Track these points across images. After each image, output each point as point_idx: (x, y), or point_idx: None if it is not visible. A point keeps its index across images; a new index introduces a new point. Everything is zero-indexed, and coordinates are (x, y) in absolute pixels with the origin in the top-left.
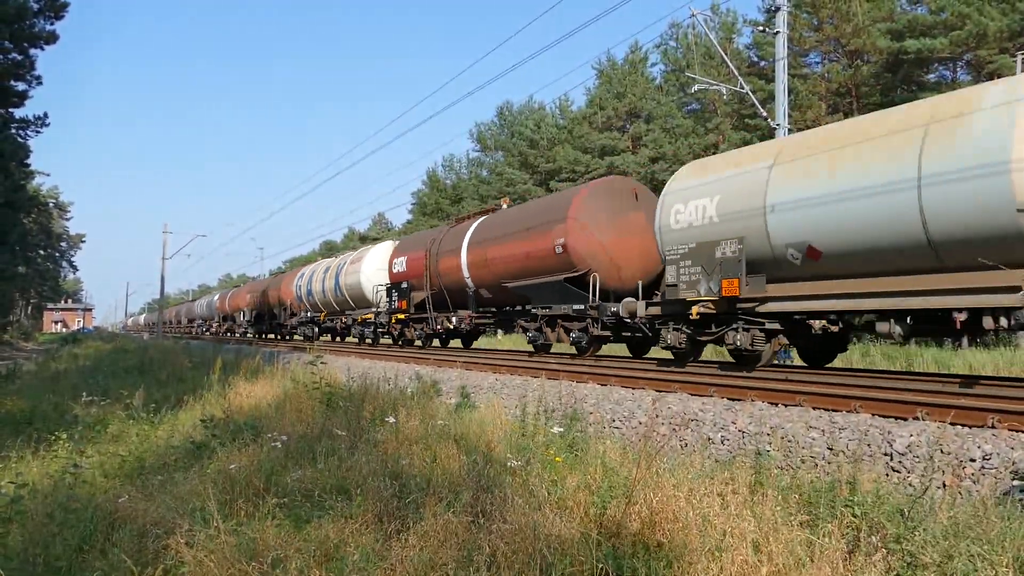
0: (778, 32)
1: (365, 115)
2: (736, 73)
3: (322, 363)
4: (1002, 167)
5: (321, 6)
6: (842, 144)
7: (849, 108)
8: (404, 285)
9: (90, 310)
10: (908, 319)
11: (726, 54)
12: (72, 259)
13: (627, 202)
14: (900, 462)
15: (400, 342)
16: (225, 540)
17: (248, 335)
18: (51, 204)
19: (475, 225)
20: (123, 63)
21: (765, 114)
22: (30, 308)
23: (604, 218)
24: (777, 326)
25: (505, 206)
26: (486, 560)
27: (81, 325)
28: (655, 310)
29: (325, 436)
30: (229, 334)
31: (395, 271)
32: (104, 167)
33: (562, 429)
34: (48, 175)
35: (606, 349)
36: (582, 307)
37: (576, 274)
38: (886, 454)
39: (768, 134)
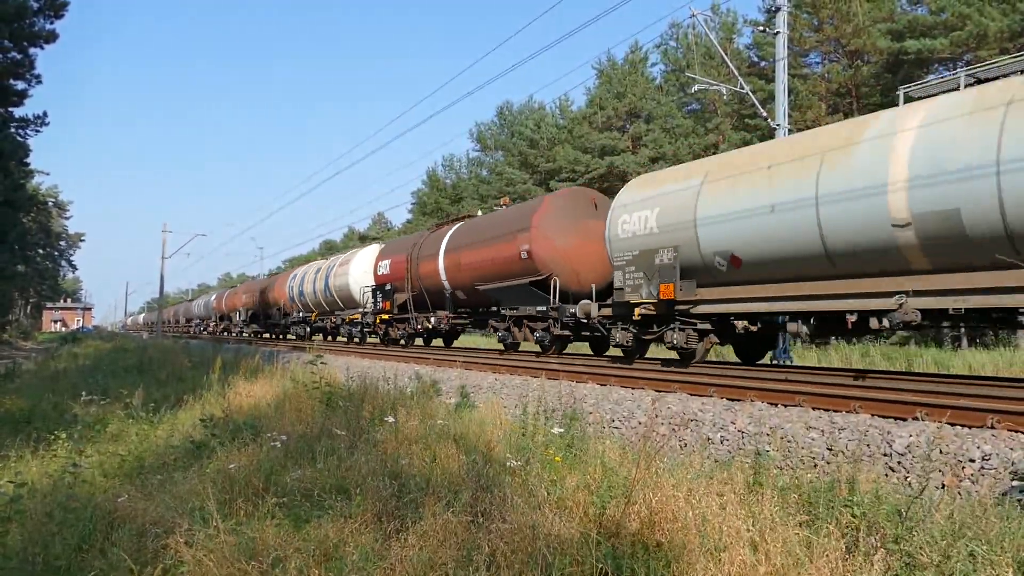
0: (778, 32)
1: (365, 115)
2: (736, 73)
3: (322, 363)
4: (881, 189)
5: (321, 6)
6: (759, 166)
7: (849, 108)
8: (388, 287)
9: (89, 309)
10: (812, 320)
11: (726, 54)
12: (71, 258)
13: (587, 211)
14: (899, 462)
15: (385, 341)
16: (224, 540)
17: (244, 334)
18: (50, 203)
19: (451, 231)
20: (123, 63)
21: (765, 114)
22: (29, 307)
23: (565, 226)
24: (708, 326)
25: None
26: (485, 560)
27: (80, 324)
28: (607, 311)
29: (325, 436)
30: (226, 333)
31: (380, 273)
32: (104, 166)
33: (562, 430)
34: (48, 174)
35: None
36: (544, 308)
37: (539, 278)
38: (885, 454)
39: (768, 134)
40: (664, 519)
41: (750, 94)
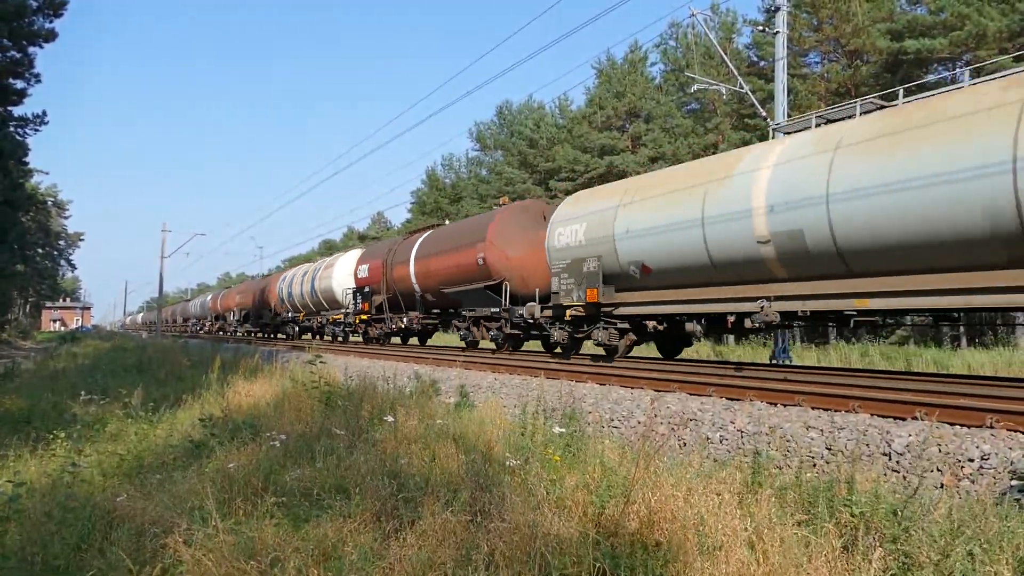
0: (778, 32)
1: (365, 115)
2: (736, 73)
3: (321, 362)
4: (748, 213)
5: (321, 6)
6: (663, 191)
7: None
8: (367, 289)
9: (88, 309)
10: (703, 320)
11: (726, 54)
12: (71, 258)
13: (536, 223)
14: (898, 462)
15: (366, 340)
16: (223, 539)
17: (238, 333)
18: (50, 202)
19: (421, 239)
20: (123, 63)
21: (765, 114)
22: (28, 307)
23: (515, 237)
24: (627, 325)
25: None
26: (484, 559)
27: (80, 324)
28: (547, 312)
29: (324, 435)
30: (221, 332)
31: (360, 276)
32: (103, 166)
33: (563, 430)
34: (47, 173)
35: (599, 350)
36: (498, 310)
37: (493, 283)
38: (884, 454)
39: (768, 134)
40: (663, 519)
41: (749, 94)
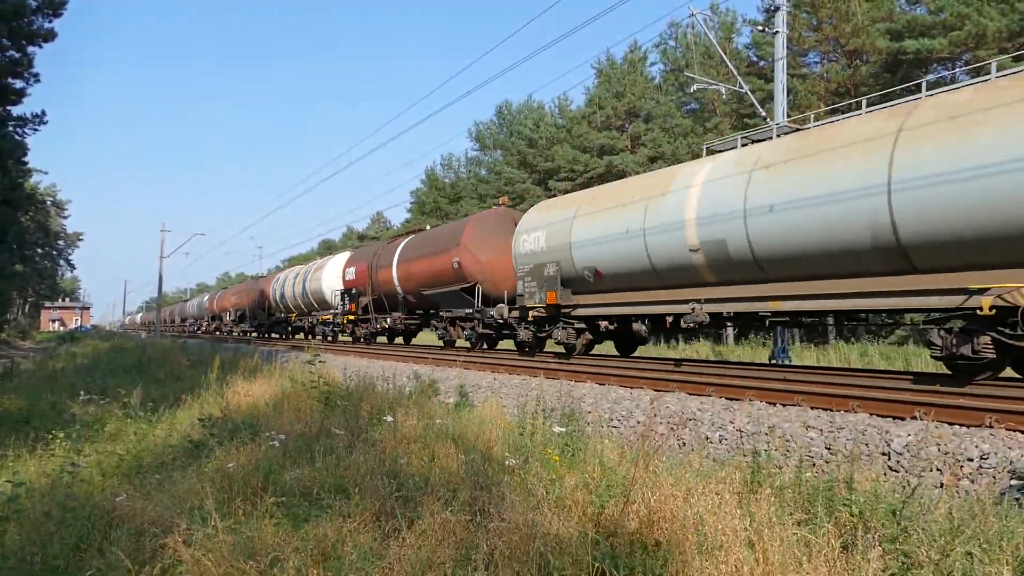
0: (777, 32)
1: (365, 115)
2: (735, 73)
3: (320, 362)
4: (681, 224)
5: (321, 6)
6: (612, 203)
7: (848, 108)
8: (354, 291)
9: (88, 309)
10: (647, 320)
11: (725, 54)
12: (70, 257)
13: (507, 229)
14: (898, 461)
15: (353, 339)
16: (223, 539)
17: (233, 333)
18: (49, 202)
19: (403, 243)
20: (123, 63)
21: (764, 114)
22: (27, 306)
23: (488, 243)
24: (583, 325)
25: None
26: (484, 559)
27: (79, 324)
28: (514, 313)
29: (323, 435)
30: (218, 332)
31: (347, 278)
32: (103, 166)
33: (563, 429)
34: (46, 173)
35: (598, 348)
36: (471, 311)
37: (467, 285)
38: (884, 453)
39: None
40: (663, 518)
41: (749, 94)
